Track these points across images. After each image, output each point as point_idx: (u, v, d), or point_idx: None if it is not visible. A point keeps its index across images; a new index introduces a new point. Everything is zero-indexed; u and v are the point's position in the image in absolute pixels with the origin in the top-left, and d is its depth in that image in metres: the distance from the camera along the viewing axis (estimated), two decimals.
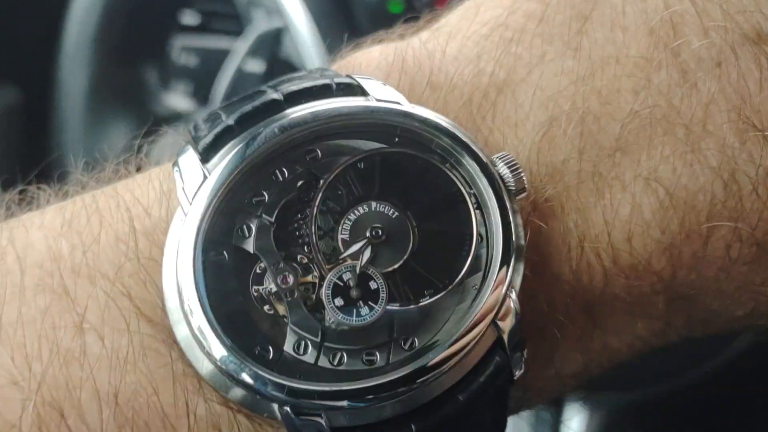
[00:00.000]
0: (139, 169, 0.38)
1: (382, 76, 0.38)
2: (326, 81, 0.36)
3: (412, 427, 0.32)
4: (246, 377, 0.32)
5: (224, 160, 0.34)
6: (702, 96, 0.35)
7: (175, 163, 0.35)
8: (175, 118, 1.11)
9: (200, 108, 1.19)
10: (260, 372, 0.31)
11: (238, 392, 0.32)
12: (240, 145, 0.34)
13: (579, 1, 0.38)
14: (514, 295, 0.34)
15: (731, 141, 0.34)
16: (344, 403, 0.32)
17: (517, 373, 0.35)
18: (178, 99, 1.16)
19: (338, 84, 0.36)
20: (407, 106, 0.36)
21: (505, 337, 0.34)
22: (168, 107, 1.13)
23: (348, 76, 0.37)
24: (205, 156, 0.35)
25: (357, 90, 0.36)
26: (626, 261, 0.35)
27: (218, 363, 0.32)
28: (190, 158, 0.35)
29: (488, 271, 0.34)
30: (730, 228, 0.34)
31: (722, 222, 0.34)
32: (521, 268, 0.35)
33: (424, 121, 0.35)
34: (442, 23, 0.41)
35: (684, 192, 0.34)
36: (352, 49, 0.42)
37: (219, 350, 0.32)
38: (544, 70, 0.37)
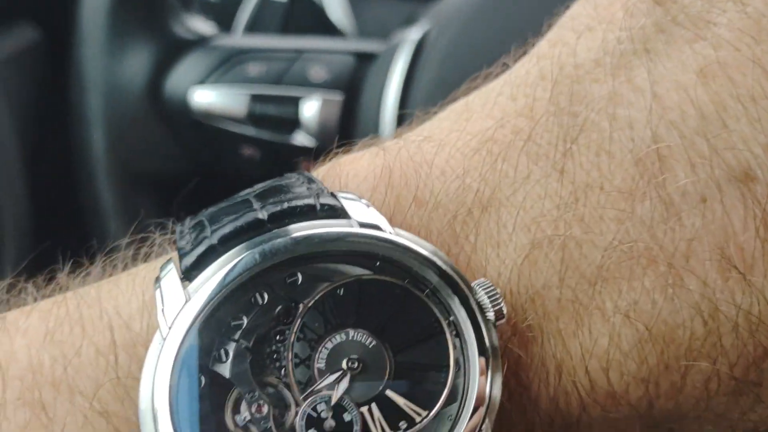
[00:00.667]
0: (125, 268, 0.39)
1: (369, 188, 0.39)
2: (311, 201, 0.37)
3: None
4: None
5: (205, 285, 0.34)
6: (686, 231, 0.35)
7: (157, 280, 0.36)
8: (196, 42, 1.07)
9: (222, 33, 1.16)
10: None
11: None
12: (220, 271, 0.35)
13: (567, 121, 0.38)
14: (490, 424, 0.34)
15: (713, 279, 0.34)
16: None
17: None
18: (200, 23, 1.13)
19: (322, 205, 0.37)
20: (388, 233, 0.36)
21: None
22: (190, 30, 1.10)
23: (332, 194, 0.38)
24: (188, 275, 0.35)
25: (340, 212, 0.37)
26: (602, 391, 0.35)
27: None
28: (171, 278, 0.35)
29: (464, 401, 0.35)
30: (709, 365, 0.34)
31: (700, 361, 0.34)
32: (497, 398, 0.35)
33: (405, 249, 0.36)
34: (432, 131, 0.42)
35: (663, 326, 0.35)
36: (342, 153, 0.42)
37: None
38: (529, 191, 0.37)
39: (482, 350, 0.35)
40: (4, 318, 0.38)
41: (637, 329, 0.35)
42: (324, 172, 0.41)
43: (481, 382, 0.34)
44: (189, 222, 0.38)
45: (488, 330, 0.35)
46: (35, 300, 0.39)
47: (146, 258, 0.40)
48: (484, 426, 0.34)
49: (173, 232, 0.39)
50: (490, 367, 0.35)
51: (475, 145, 0.39)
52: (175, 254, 0.37)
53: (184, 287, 0.35)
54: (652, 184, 0.35)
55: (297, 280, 0.36)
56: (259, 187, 0.39)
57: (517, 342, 0.36)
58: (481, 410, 0.34)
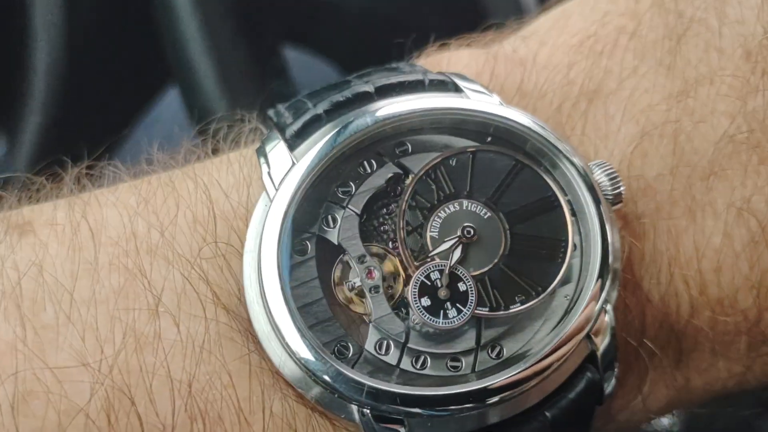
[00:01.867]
0: (215, 152, 0.37)
1: (472, 75, 0.37)
2: (418, 76, 0.35)
3: None
4: (324, 374, 0.30)
5: (314, 147, 0.33)
6: None
7: (260, 149, 0.34)
8: None
9: None
10: (339, 369, 0.30)
11: (315, 390, 0.30)
12: (330, 134, 0.33)
13: (673, 19, 0.37)
14: (609, 310, 0.32)
15: None
16: (426, 410, 0.30)
17: (608, 392, 0.32)
18: None
19: (431, 80, 0.35)
20: (502, 105, 0.34)
21: (599, 353, 0.32)
22: None
23: (440, 72, 0.36)
24: (292, 143, 0.34)
25: (450, 86, 0.35)
26: (713, 293, 0.34)
27: (296, 358, 0.30)
28: (276, 144, 0.34)
29: (582, 282, 0.33)
30: None
31: None
32: (617, 282, 0.33)
33: (519, 122, 0.34)
34: (531, 30, 0.40)
35: None
36: (437, 50, 0.41)
37: (298, 344, 0.30)
38: (636, 84, 0.36)
39: (603, 231, 0.33)
40: (89, 194, 0.36)
41: (749, 228, 0.33)
42: (421, 62, 0.40)
43: (600, 265, 0.32)
44: (283, 105, 0.36)
45: (607, 210, 0.33)
46: (120, 180, 0.37)
47: (235, 146, 0.39)
48: (604, 308, 0.32)
49: (265, 120, 0.37)
50: (610, 250, 0.32)
51: (576, 43, 0.38)
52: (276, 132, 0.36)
53: (291, 153, 0.33)
54: (765, 78, 0.34)
55: (407, 149, 0.34)
56: (358, 73, 0.38)
57: (630, 233, 0.34)
58: (600, 294, 0.32)
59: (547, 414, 0.31)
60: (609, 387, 0.33)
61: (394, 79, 0.35)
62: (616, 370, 0.33)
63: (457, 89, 0.35)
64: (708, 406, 0.37)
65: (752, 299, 0.33)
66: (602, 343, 0.32)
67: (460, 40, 0.42)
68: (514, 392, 0.30)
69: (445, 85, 0.35)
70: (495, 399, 0.30)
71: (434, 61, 0.39)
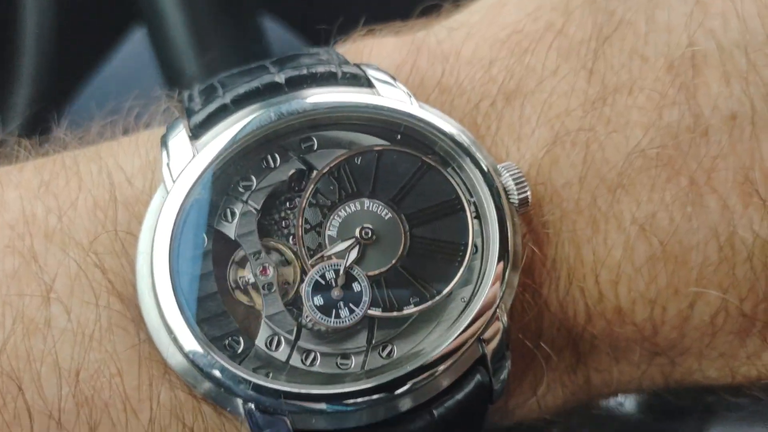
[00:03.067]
0: (126, 132, 0.37)
1: (392, 66, 0.37)
2: (332, 68, 0.35)
3: None
4: (210, 368, 0.30)
5: (215, 140, 0.32)
6: (711, 147, 0.33)
7: (164, 137, 0.34)
8: None
9: None
10: (225, 364, 0.30)
11: (202, 382, 0.31)
12: (232, 127, 0.32)
13: (602, 19, 0.36)
14: (503, 313, 0.33)
15: (733, 203, 0.33)
16: (313, 405, 0.30)
17: (496, 391, 0.33)
18: None
19: (344, 73, 0.35)
20: (413, 105, 0.34)
21: (489, 355, 0.32)
22: None
23: (356, 65, 0.35)
24: (196, 133, 0.33)
25: (363, 81, 0.34)
26: (609, 305, 0.34)
27: (184, 352, 0.30)
28: (179, 134, 0.33)
29: (480, 285, 0.33)
30: (718, 296, 0.33)
31: (710, 289, 0.33)
32: (514, 286, 0.33)
33: (429, 123, 0.34)
34: (461, 20, 0.39)
35: (678, 246, 0.33)
36: (364, 36, 0.40)
37: (185, 338, 0.30)
38: (555, 86, 0.35)
39: (503, 234, 0.33)
40: None
41: (651, 244, 0.33)
42: (345, 48, 0.39)
43: (499, 269, 0.33)
44: (198, 87, 0.36)
45: (511, 214, 0.33)
46: (27, 159, 0.37)
47: (147, 126, 0.38)
48: (497, 312, 0.32)
49: (180, 101, 0.36)
50: (509, 254, 0.33)
51: (503, 37, 0.37)
52: (183, 119, 0.35)
53: (192, 144, 0.33)
54: (683, 92, 0.33)
55: (312, 145, 0.34)
56: (276, 56, 0.37)
57: (533, 240, 0.34)
58: (496, 296, 0.32)
59: (435, 412, 0.32)
60: (500, 387, 0.33)
61: (306, 70, 0.34)
62: (507, 371, 0.33)
63: (370, 84, 0.35)
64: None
65: (647, 314, 0.34)
66: (493, 345, 0.32)
67: (389, 27, 0.41)
68: (403, 390, 0.31)
69: (358, 79, 0.35)
70: (381, 397, 0.31)
71: (357, 48, 0.38)
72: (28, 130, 0.39)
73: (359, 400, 0.30)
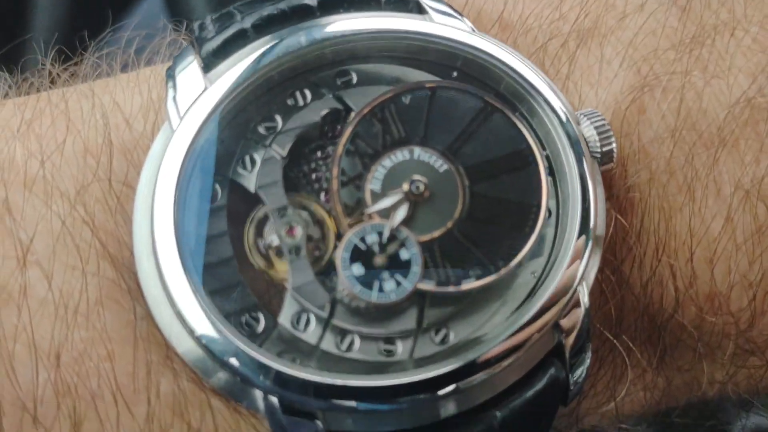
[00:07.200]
0: (125, 68, 0.31)
1: None
2: None
3: None
4: (222, 351, 0.24)
5: (231, 70, 0.26)
6: None
7: (170, 68, 0.28)
8: None
9: None
10: (240, 346, 0.24)
11: (212, 369, 0.25)
12: (254, 53, 0.26)
13: None
14: (585, 292, 0.26)
15: None
16: (350, 402, 0.24)
17: (573, 391, 0.27)
18: None
19: None
20: (474, 34, 0.28)
21: (568, 344, 0.26)
22: None
23: None
24: (209, 63, 0.27)
25: (412, 6, 0.29)
26: (703, 289, 0.29)
27: (189, 329, 0.24)
28: (188, 63, 0.27)
29: (554, 258, 0.27)
30: None
31: None
32: (597, 260, 0.27)
33: (495, 55, 0.27)
34: None
35: None
36: None
37: (193, 313, 0.24)
38: (641, 24, 0.30)
39: (584, 196, 0.27)
40: None
41: (756, 215, 0.28)
42: None
43: (580, 239, 0.26)
44: (211, 16, 0.30)
45: (594, 171, 0.27)
46: (6, 96, 0.31)
47: (149, 61, 0.32)
48: (577, 293, 0.26)
49: (190, 31, 0.30)
50: (592, 220, 0.26)
51: None
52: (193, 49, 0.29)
53: (205, 76, 0.27)
54: None
55: (351, 80, 0.27)
56: None
57: (616, 206, 0.29)
58: (576, 272, 0.26)
59: (497, 414, 0.26)
60: (576, 385, 0.27)
61: None
62: (586, 365, 0.27)
63: (420, 10, 0.29)
64: (689, 417, 0.32)
65: (747, 301, 0.28)
66: (572, 333, 0.26)
67: None
68: (461, 386, 0.25)
69: (405, 3, 0.29)
70: (432, 395, 0.24)
71: None
72: (10, 61, 0.33)
73: (407, 397, 0.24)
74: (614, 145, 0.28)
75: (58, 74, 0.31)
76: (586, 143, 0.27)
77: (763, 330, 0.29)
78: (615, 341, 0.29)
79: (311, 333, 0.25)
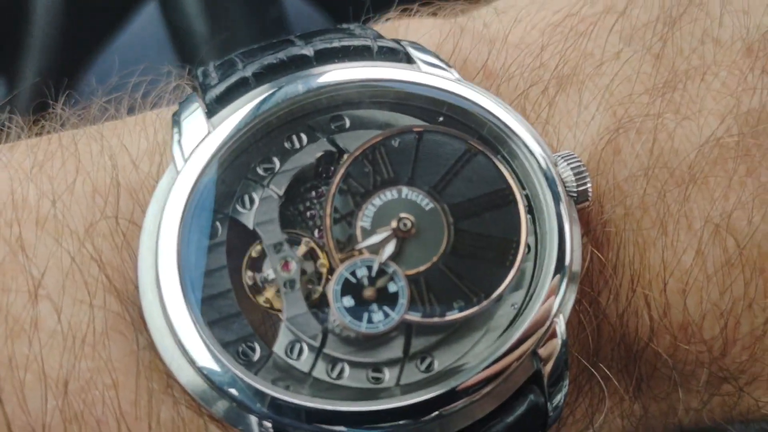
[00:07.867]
0: (131, 111, 0.33)
1: (432, 45, 0.33)
2: (367, 41, 0.31)
3: None
4: (220, 380, 0.26)
5: (233, 115, 0.28)
6: None
7: (176, 113, 0.30)
8: None
9: None
10: (237, 373, 0.25)
11: (210, 396, 0.26)
12: (255, 100, 0.28)
13: (670, 1, 0.32)
14: (562, 323, 0.28)
15: None
16: (340, 428, 0.26)
17: (552, 416, 0.28)
18: None
19: (381, 47, 0.31)
20: (459, 82, 0.30)
21: (546, 371, 0.28)
22: None
23: (393, 39, 0.32)
24: (212, 109, 0.29)
25: (401, 56, 0.31)
26: (677, 318, 0.30)
27: (190, 358, 0.26)
28: (193, 109, 0.29)
29: (533, 290, 0.28)
30: None
31: None
32: (573, 293, 0.29)
33: (477, 102, 0.29)
34: (509, 3, 0.36)
35: (756, 251, 0.29)
36: (398, 15, 0.36)
37: (193, 343, 0.26)
38: (617, 70, 0.32)
39: (561, 232, 0.28)
40: None
41: (726, 248, 0.29)
42: (377, 27, 0.35)
43: (555, 277, 0.28)
44: (213, 63, 0.32)
45: (569, 210, 0.29)
46: (19, 137, 0.33)
47: (155, 105, 0.34)
48: (554, 324, 0.28)
49: (193, 77, 0.32)
50: (568, 255, 0.28)
51: (556, 21, 0.33)
52: (197, 95, 0.31)
53: (208, 121, 0.29)
54: (765, 77, 0.30)
55: (344, 124, 0.29)
56: (301, 32, 0.33)
57: (592, 241, 0.30)
58: (553, 305, 0.28)
59: None
60: (556, 411, 0.29)
61: (338, 43, 0.30)
62: (564, 392, 0.29)
63: (409, 60, 0.31)
64: None
65: (719, 329, 0.30)
66: (550, 362, 0.28)
67: (426, 7, 0.37)
68: (446, 410, 0.26)
69: (396, 53, 0.31)
70: (417, 420, 0.26)
71: (392, 26, 0.35)
72: (24, 104, 0.35)
73: (393, 422, 0.26)
74: (589, 185, 0.29)
75: (68, 117, 0.32)
76: (563, 184, 0.29)
77: (735, 357, 0.30)
78: (593, 370, 0.30)
79: (304, 361, 0.27)
